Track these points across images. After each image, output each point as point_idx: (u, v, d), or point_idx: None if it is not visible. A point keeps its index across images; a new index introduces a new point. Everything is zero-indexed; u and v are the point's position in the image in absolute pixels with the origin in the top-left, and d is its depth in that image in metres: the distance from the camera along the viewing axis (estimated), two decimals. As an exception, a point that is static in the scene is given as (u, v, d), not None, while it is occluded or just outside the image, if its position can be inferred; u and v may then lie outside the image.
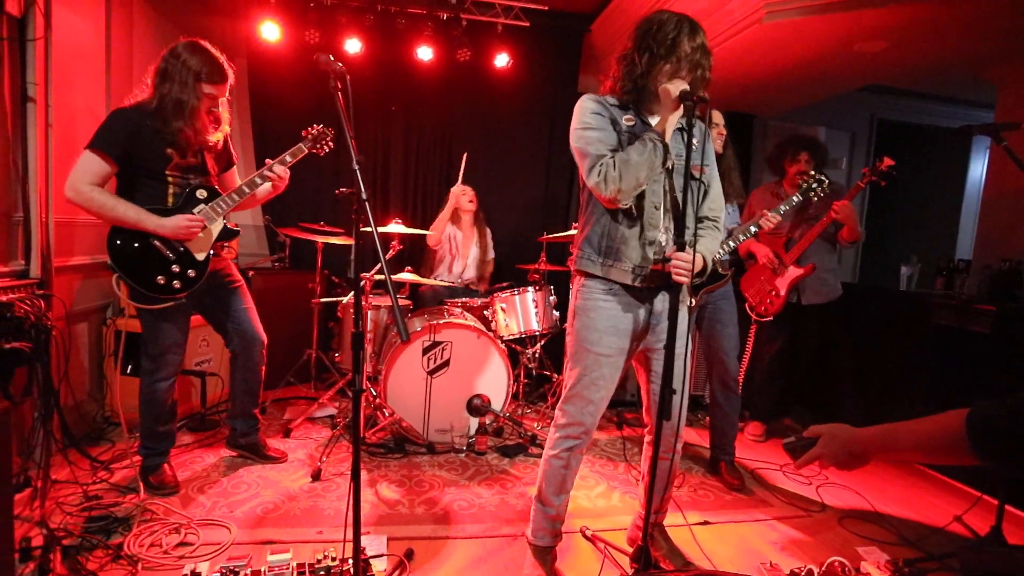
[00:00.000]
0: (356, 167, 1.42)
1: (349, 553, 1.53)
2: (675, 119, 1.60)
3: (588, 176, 1.62)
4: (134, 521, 1.97)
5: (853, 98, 4.60)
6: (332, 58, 1.58)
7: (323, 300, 3.29)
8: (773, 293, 3.00)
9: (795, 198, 2.54)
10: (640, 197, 1.66)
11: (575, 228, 1.91)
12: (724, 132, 2.51)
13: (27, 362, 2.13)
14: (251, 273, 3.50)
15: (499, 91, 4.10)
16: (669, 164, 1.64)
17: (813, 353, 3.32)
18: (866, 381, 3.41)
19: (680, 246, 1.55)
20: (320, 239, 3.22)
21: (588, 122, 1.66)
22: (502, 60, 3.87)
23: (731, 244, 2.44)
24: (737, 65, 3.58)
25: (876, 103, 4.97)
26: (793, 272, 2.96)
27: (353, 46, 3.66)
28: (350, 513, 2.12)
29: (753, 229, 2.45)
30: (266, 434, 2.88)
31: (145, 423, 2.22)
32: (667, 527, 2.08)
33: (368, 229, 1.39)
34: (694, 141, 1.73)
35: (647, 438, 1.90)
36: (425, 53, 3.76)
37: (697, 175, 1.73)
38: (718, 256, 2.44)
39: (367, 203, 1.39)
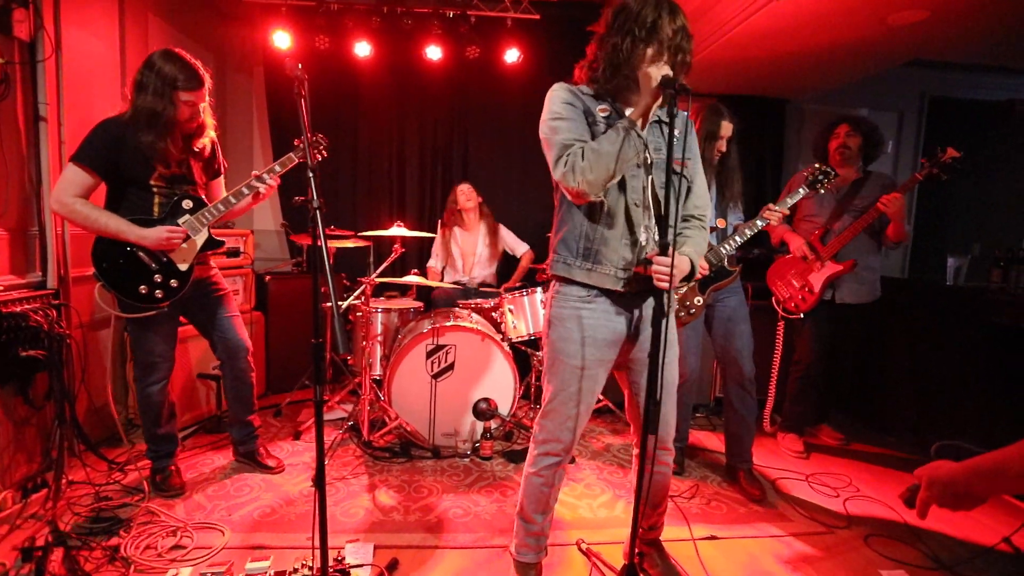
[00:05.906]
0: (310, 175, 1.40)
1: (328, 561, 1.51)
2: (654, 107, 1.48)
3: (555, 167, 1.53)
4: (134, 523, 2.03)
5: (899, 75, 4.22)
6: (300, 66, 1.57)
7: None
8: (806, 289, 2.81)
9: (800, 190, 2.35)
10: (620, 194, 1.56)
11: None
12: (724, 148, 2.37)
13: (45, 369, 2.25)
14: (268, 278, 3.58)
15: (511, 87, 4.03)
16: (645, 157, 1.53)
17: (854, 355, 3.09)
18: (915, 384, 3.13)
19: (662, 248, 1.43)
20: (331, 243, 3.24)
21: (558, 112, 1.57)
22: (513, 55, 3.79)
23: (737, 240, 2.30)
24: (759, 47, 3.35)
25: (926, 79, 4.55)
26: (831, 268, 2.76)
27: (363, 49, 3.68)
28: (343, 520, 2.13)
29: (759, 224, 2.29)
30: (278, 436, 2.95)
31: (145, 427, 2.29)
32: (669, 542, 1.97)
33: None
34: (676, 133, 1.63)
35: (634, 451, 1.79)
36: (434, 52, 3.73)
37: (679, 169, 1.61)
38: (724, 252, 2.32)
39: (319, 211, 1.37)
